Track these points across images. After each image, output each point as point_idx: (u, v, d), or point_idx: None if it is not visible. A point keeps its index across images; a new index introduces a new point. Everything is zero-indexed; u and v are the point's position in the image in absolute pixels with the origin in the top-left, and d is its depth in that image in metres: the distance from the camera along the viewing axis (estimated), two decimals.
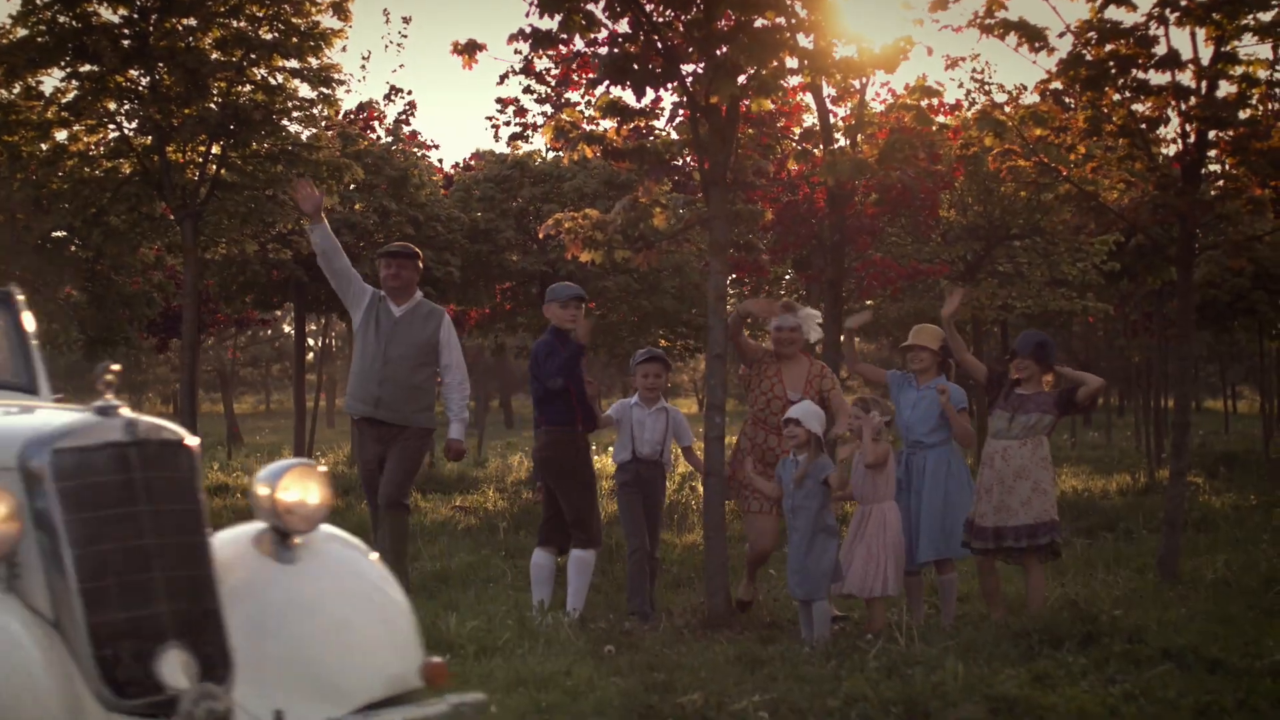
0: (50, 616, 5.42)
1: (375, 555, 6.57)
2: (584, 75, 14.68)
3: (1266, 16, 13.18)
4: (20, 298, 8.19)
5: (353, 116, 26.24)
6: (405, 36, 42.73)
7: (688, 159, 20.05)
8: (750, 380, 12.61)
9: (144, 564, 5.57)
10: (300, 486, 6.26)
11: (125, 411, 5.77)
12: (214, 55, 17.76)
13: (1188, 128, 13.78)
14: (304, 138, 18.95)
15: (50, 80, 18.77)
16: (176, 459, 5.83)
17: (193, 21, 17.68)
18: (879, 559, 11.20)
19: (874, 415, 11.50)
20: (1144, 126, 14.02)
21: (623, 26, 12.42)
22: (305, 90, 18.51)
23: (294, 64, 18.20)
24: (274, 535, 6.23)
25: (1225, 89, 13.58)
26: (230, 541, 6.14)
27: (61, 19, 17.32)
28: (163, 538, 5.65)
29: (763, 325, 17.50)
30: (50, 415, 6.07)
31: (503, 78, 24.37)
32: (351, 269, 12.60)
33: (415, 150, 26.27)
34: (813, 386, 12.32)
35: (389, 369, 12.36)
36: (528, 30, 12.59)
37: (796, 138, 22.15)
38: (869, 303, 27.12)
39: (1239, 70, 13.42)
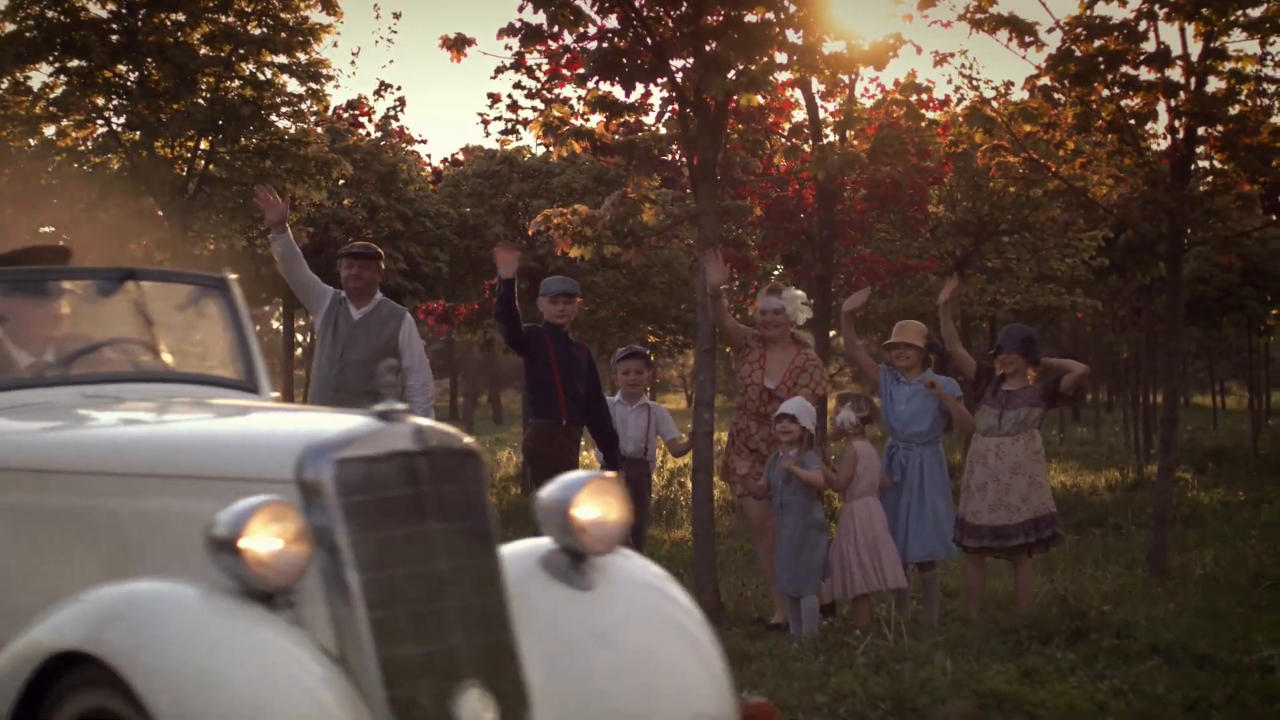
0: (334, 652, 4.87)
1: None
2: (573, 70, 14.69)
3: (1255, 12, 13.18)
4: (237, 285, 7.50)
5: (342, 113, 26.23)
6: (395, 32, 42.79)
7: (677, 154, 20.05)
8: (737, 365, 12.48)
9: (438, 591, 5.03)
10: (599, 502, 5.61)
11: (412, 417, 5.22)
12: (202, 50, 17.74)
13: (1177, 123, 13.78)
14: (292, 133, 18.93)
15: (38, 75, 18.77)
16: (466, 471, 5.26)
17: (181, 17, 17.65)
18: (848, 559, 11.19)
19: (844, 411, 11.51)
20: (1133, 122, 14.02)
21: (611, 22, 12.43)
22: (294, 86, 18.51)
23: (283, 59, 18.19)
24: (565, 556, 5.60)
25: (1214, 85, 13.59)
26: (514, 563, 5.49)
27: (50, 14, 17.28)
28: (456, 561, 5.10)
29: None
30: (325, 420, 5.47)
31: (498, 71, 24.39)
32: (311, 276, 12.25)
33: (403, 145, 26.25)
34: (791, 377, 12.07)
35: (345, 375, 11.83)
36: (518, 25, 12.59)
37: (785, 133, 22.16)
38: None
39: (1228, 66, 13.43)
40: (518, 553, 5.60)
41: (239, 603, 4.79)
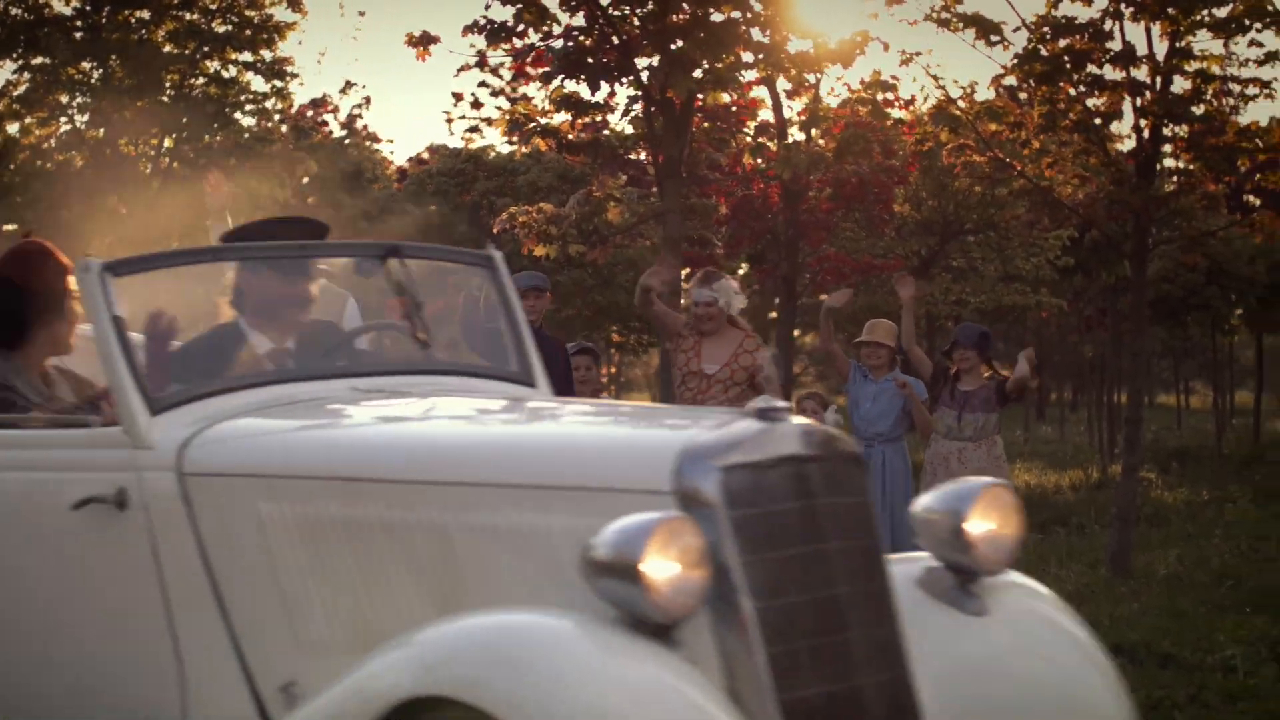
0: (726, 691, 4.10)
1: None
2: (538, 68, 14.68)
3: (1221, 12, 13.21)
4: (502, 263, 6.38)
5: (306, 111, 26.16)
6: (359, 30, 42.93)
7: (642, 153, 20.05)
8: (672, 356, 11.81)
9: (839, 621, 4.30)
10: (995, 514, 4.86)
11: (795, 417, 4.43)
12: (167, 48, 17.69)
13: (1142, 123, 13.80)
14: (255, 130, 18.88)
15: (2, 72, 18.72)
16: (854, 480, 4.50)
17: (145, 14, 17.60)
18: None
19: (828, 414, 11.45)
20: (1099, 121, 14.03)
21: (578, 20, 12.41)
22: (258, 83, 18.47)
23: (247, 57, 18.15)
24: (951, 575, 4.88)
25: (1180, 84, 13.61)
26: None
27: (14, 11, 17.23)
28: (854, 585, 4.36)
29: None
30: (694, 421, 4.69)
31: (460, 70, 24.32)
32: None
33: (369, 144, 26.23)
34: (738, 362, 10.86)
35: None
36: (482, 22, 12.56)
37: (751, 132, 22.15)
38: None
39: (1194, 66, 13.45)
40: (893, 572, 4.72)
41: (632, 638, 4.06)
